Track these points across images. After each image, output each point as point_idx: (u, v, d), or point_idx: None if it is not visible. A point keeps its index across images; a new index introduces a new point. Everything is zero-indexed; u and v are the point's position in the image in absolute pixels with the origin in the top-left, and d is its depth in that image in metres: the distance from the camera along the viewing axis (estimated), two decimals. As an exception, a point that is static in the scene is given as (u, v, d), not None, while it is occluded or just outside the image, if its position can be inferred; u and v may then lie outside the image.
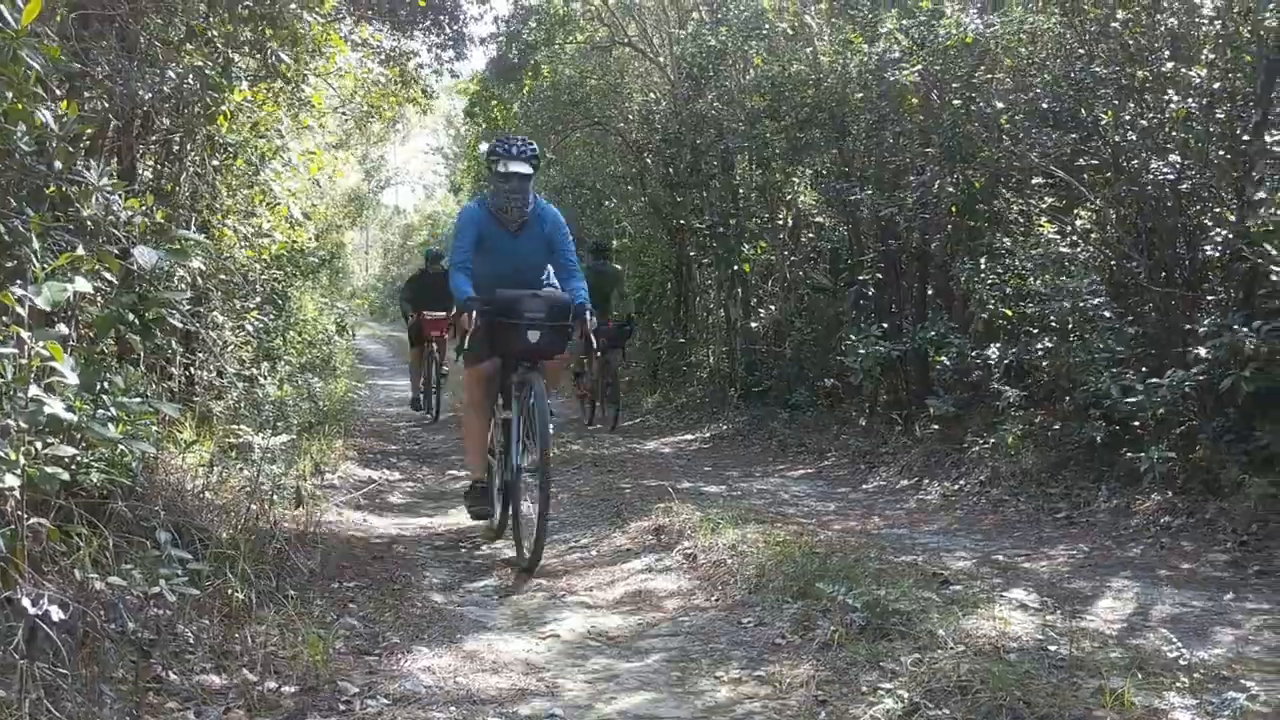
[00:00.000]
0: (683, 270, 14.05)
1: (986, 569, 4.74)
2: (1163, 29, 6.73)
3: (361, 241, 49.20)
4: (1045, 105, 7.24)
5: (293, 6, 5.89)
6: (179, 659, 3.15)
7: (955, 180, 7.98)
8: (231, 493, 4.89)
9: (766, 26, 10.55)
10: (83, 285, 2.92)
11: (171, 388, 5.95)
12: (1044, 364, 6.60)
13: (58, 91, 4.36)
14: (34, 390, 2.69)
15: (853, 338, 8.24)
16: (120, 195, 3.61)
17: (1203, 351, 5.54)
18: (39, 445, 2.79)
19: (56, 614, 2.59)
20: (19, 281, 2.91)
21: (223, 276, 6.70)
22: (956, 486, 6.83)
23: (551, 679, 3.45)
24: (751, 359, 11.57)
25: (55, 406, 2.72)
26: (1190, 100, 6.37)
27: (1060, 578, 4.57)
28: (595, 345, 5.83)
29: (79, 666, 2.70)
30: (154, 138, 6.11)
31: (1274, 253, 5.13)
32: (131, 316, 3.40)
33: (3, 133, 3.07)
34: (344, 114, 10.55)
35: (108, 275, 3.51)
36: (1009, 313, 7.23)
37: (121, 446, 3.25)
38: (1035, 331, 6.86)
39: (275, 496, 4.92)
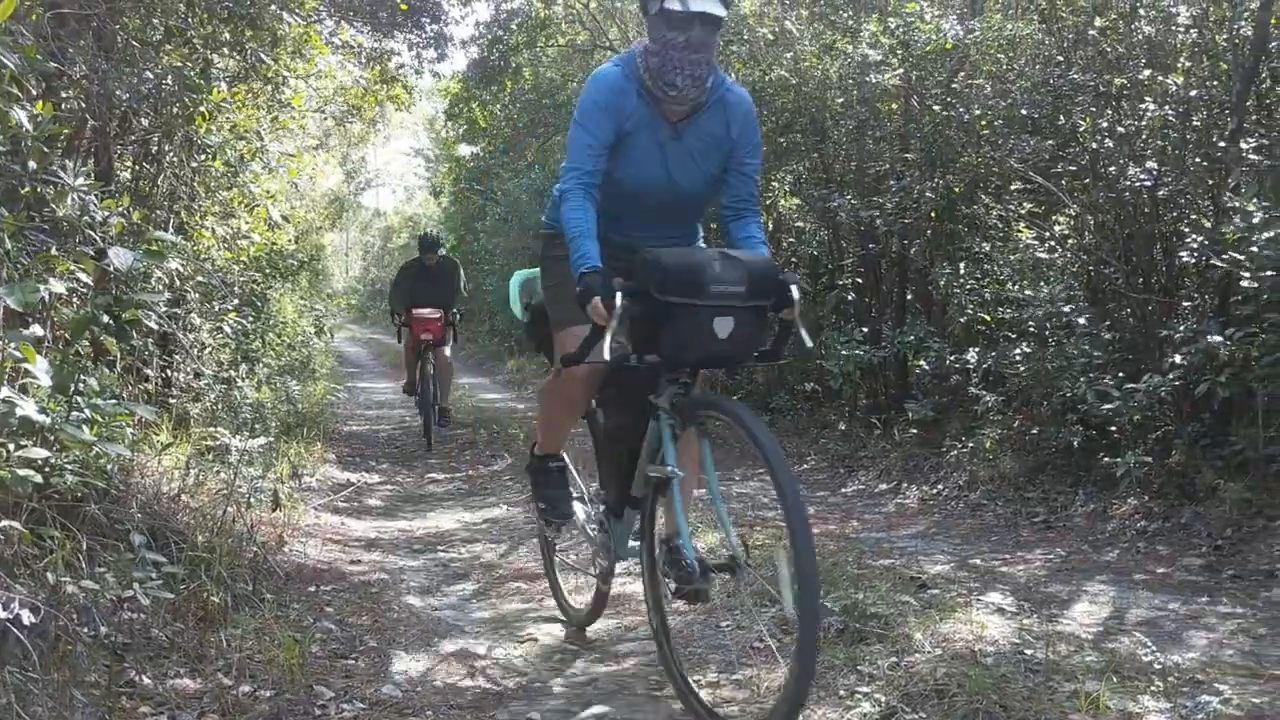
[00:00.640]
0: (663, 274, 14.04)
1: (964, 573, 4.75)
2: (1140, 37, 6.78)
3: (341, 244, 49.05)
4: (1024, 111, 7.28)
5: (272, 7, 5.88)
6: (153, 663, 3.13)
7: (934, 185, 8.01)
8: (208, 496, 4.85)
9: (747, 32, 10.56)
10: (56, 286, 2.91)
11: (148, 390, 5.91)
12: (1022, 369, 6.63)
13: (33, 91, 4.33)
14: (6, 391, 2.67)
15: (833, 343, 8.25)
16: (96, 196, 3.59)
17: (1178, 358, 5.57)
18: (11, 447, 2.77)
19: (28, 618, 2.56)
20: (-8, 282, 2.88)
21: (200, 278, 6.66)
22: (935, 490, 6.85)
23: (529, 683, 3.45)
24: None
25: (28, 408, 2.70)
26: (1167, 108, 6.42)
27: (1037, 582, 4.59)
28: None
29: (50, 671, 2.67)
30: (132, 138, 6.07)
31: (1245, 260, 5.17)
32: (106, 318, 3.38)
33: (-24, 132, 3.05)
34: (324, 115, 10.50)
35: (83, 276, 3.48)
36: (987, 318, 7.26)
37: (96, 449, 3.23)
38: (1013, 336, 6.89)
39: (252, 499, 4.89)
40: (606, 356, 2.93)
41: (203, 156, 6.39)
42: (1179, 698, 2.92)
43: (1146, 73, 6.56)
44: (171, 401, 6.30)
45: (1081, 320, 6.27)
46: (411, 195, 44.51)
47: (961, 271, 7.51)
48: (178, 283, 6.18)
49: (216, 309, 7.36)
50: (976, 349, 7.30)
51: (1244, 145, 5.86)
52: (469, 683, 3.43)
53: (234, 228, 7.09)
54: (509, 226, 20.57)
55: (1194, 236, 5.95)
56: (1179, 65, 6.66)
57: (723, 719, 2.98)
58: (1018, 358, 6.70)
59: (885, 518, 6.40)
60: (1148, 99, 6.50)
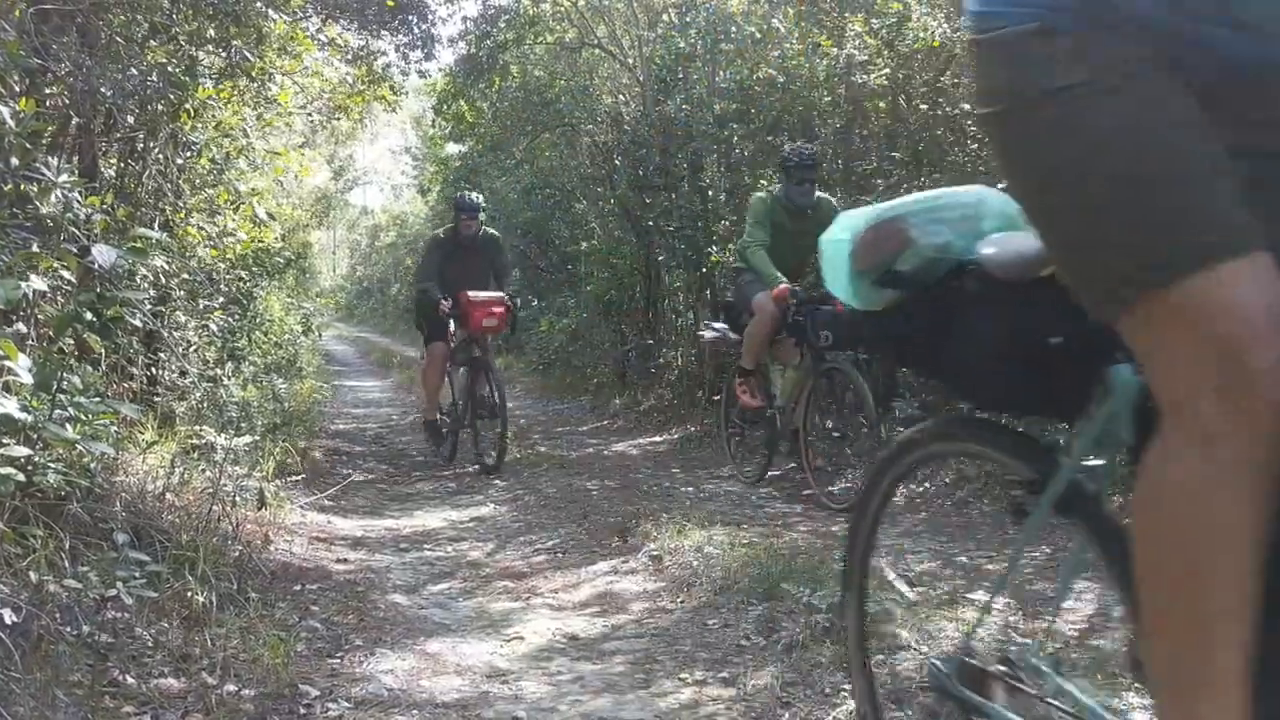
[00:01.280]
0: (651, 272, 14.05)
1: (950, 570, 4.76)
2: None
3: (329, 242, 48.94)
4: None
5: (258, 4, 5.85)
6: (136, 662, 3.11)
7: (922, 184, 8.02)
8: (193, 494, 4.83)
9: (735, 29, 10.57)
10: (39, 283, 2.89)
11: (133, 388, 5.88)
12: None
13: (16, 87, 4.31)
14: (-12, 389, 2.65)
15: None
16: (80, 193, 3.57)
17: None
18: (-8, 445, 2.75)
19: (9, 617, 2.55)
20: (-27, 279, 2.87)
21: (186, 276, 6.63)
22: (922, 489, 6.86)
23: (515, 681, 3.44)
24: (720, 361, 11.57)
25: (9, 406, 2.68)
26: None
27: (1023, 579, 4.60)
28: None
29: (32, 670, 2.65)
30: (117, 135, 6.04)
31: None
32: (90, 315, 3.36)
33: (-42, 128, 3.03)
34: (310, 113, 10.46)
35: (66, 274, 3.46)
36: (974, 316, 7.26)
37: (79, 447, 3.21)
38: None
39: (238, 498, 4.88)
40: None
41: (188, 154, 6.36)
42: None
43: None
44: (157, 400, 6.27)
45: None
46: (399, 194, 44.43)
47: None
48: (163, 280, 6.15)
49: (202, 307, 7.33)
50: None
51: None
52: (455, 681, 3.42)
53: (220, 225, 7.06)
54: (498, 225, 20.58)
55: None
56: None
57: None
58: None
59: (872, 516, 6.40)
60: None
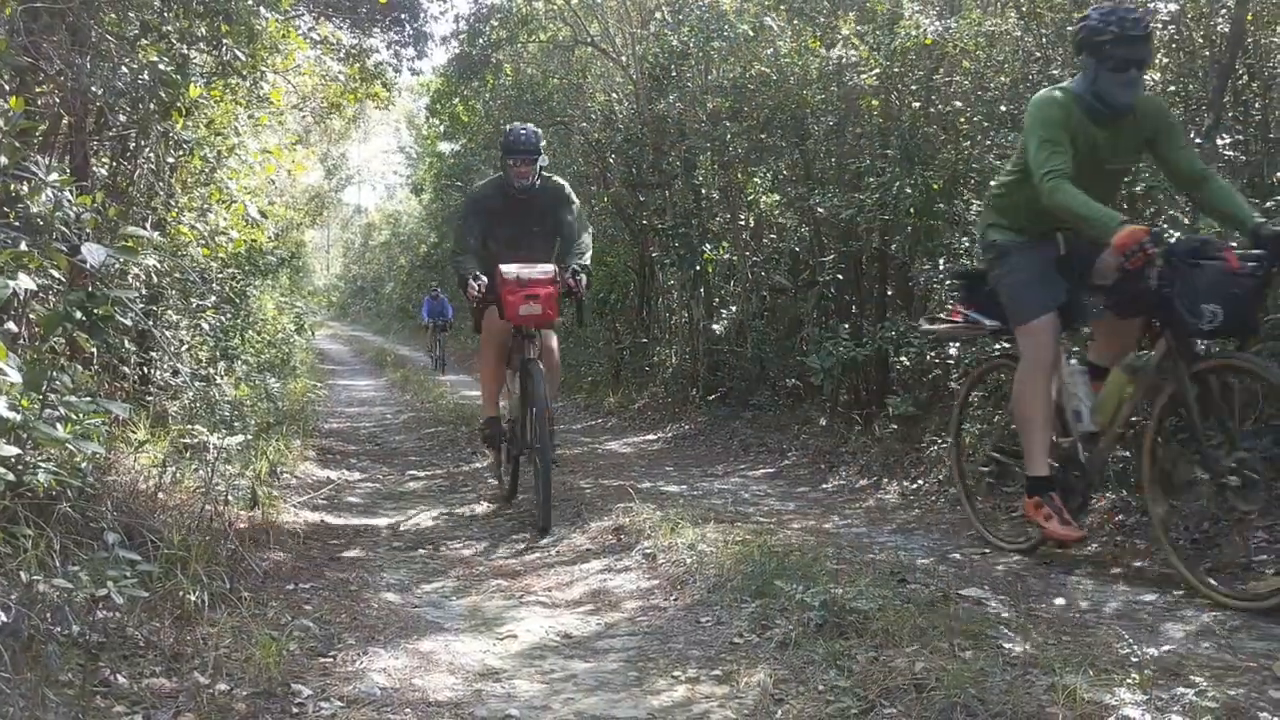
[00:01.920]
0: (645, 270, 14.06)
1: (943, 567, 4.77)
2: (1118, 33, 6.80)
3: (322, 240, 48.87)
4: (1003, 108, 7.31)
5: (249, 2, 5.84)
6: (128, 662, 3.11)
7: (914, 182, 8.03)
8: (185, 494, 4.83)
9: (727, 28, 10.56)
10: (26, 282, 2.88)
11: (125, 387, 5.88)
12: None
13: (6, 86, 4.30)
14: (-23, 389, 2.64)
15: (821, 340, 8.27)
16: (71, 192, 3.56)
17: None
18: (-18, 445, 2.74)
19: (0, 617, 2.54)
20: (-38, 278, 2.86)
21: (178, 275, 6.62)
22: (915, 486, 6.87)
23: (509, 680, 3.44)
24: (714, 359, 11.59)
25: (-1, 406, 2.67)
26: (1145, 103, 6.44)
27: (1016, 576, 4.61)
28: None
29: (23, 671, 2.65)
30: (109, 134, 6.03)
31: None
32: (80, 314, 3.35)
33: (-54, 127, 3.02)
34: (302, 112, 10.45)
35: (56, 273, 3.45)
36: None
37: (70, 447, 3.20)
38: (993, 331, 6.91)
39: (230, 497, 4.87)
40: None
41: (180, 153, 6.34)
42: (1155, 690, 2.93)
43: (1124, 69, 6.58)
44: (149, 399, 6.27)
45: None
46: (393, 192, 44.40)
47: (941, 267, 7.54)
48: (155, 279, 6.14)
49: (195, 306, 7.32)
50: (957, 344, 7.32)
51: (1220, 141, 5.90)
52: (448, 680, 3.42)
53: (212, 224, 7.05)
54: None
55: (1171, 232, 5.98)
56: (1156, 61, 6.69)
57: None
58: (996, 351, 6.72)
59: (865, 513, 6.41)
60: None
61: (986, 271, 4.91)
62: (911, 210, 8.13)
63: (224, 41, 5.91)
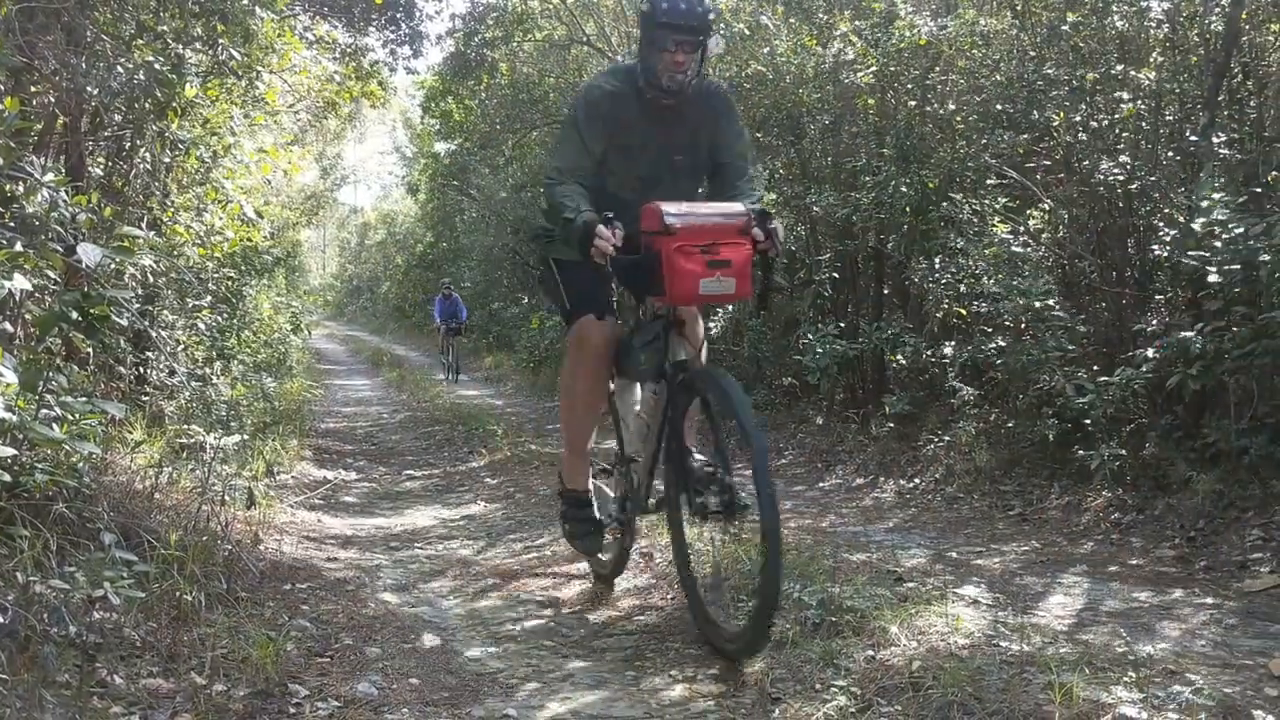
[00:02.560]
0: (641, 270, 14.05)
1: (940, 566, 4.77)
2: (1112, 31, 6.83)
3: (318, 240, 48.85)
4: (998, 106, 7.32)
5: (244, 2, 5.83)
6: (125, 663, 3.10)
7: (910, 181, 8.04)
8: (182, 494, 4.82)
9: (723, 26, 10.56)
10: (22, 282, 2.87)
11: (121, 387, 5.87)
12: (998, 362, 6.67)
13: (1, 86, 4.29)
14: (-27, 390, 2.64)
15: (810, 337, 8.28)
16: (66, 192, 3.55)
17: (1151, 351, 5.62)
18: (-22, 446, 2.74)
19: (-3, 618, 2.54)
20: (-42, 279, 2.85)
21: (174, 275, 6.61)
22: (912, 484, 6.88)
23: (506, 679, 3.44)
24: (710, 358, 11.56)
25: (-5, 406, 2.67)
26: (1140, 102, 6.47)
27: (1012, 574, 4.62)
28: None
29: (20, 671, 2.64)
30: (104, 134, 6.02)
31: (1209, 255, 5.22)
32: (76, 315, 3.35)
33: (-58, 127, 3.01)
34: (298, 111, 10.43)
35: (51, 273, 3.45)
36: (963, 312, 7.29)
37: (66, 447, 3.20)
38: (989, 330, 6.93)
39: (227, 497, 4.86)
40: None
41: (175, 152, 6.34)
42: (1151, 688, 2.93)
43: (1119, 67, 6.61)
44: (145, 399, 6.26)
45: (1057, 314, 6.31)
46: (388, 193, 44.38)
47: (937, 266, 7.55)
48: (151, 279, 6.13)
49: (191, 306, 7.31)
50: (953, 343, 7.34)
51: (1216, 139, 5.91)
52: (445, 679, 3.41)
53: (208, 224, 7.04)
54: (487, 224, 20.55)
55: (1166, 231, 6.00)
56: (1151, 60, 6.71)
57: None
58: (993, 352, 6.74)
59: (862, 512, 6.42)
60: (1121, 93, 6.54)
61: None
62: (907, 209, 8.15)
63: (220, 41, 5.91)
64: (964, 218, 7.65)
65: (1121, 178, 6.32)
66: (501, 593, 4.65)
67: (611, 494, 4.50)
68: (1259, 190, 5.51)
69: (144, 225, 5.98)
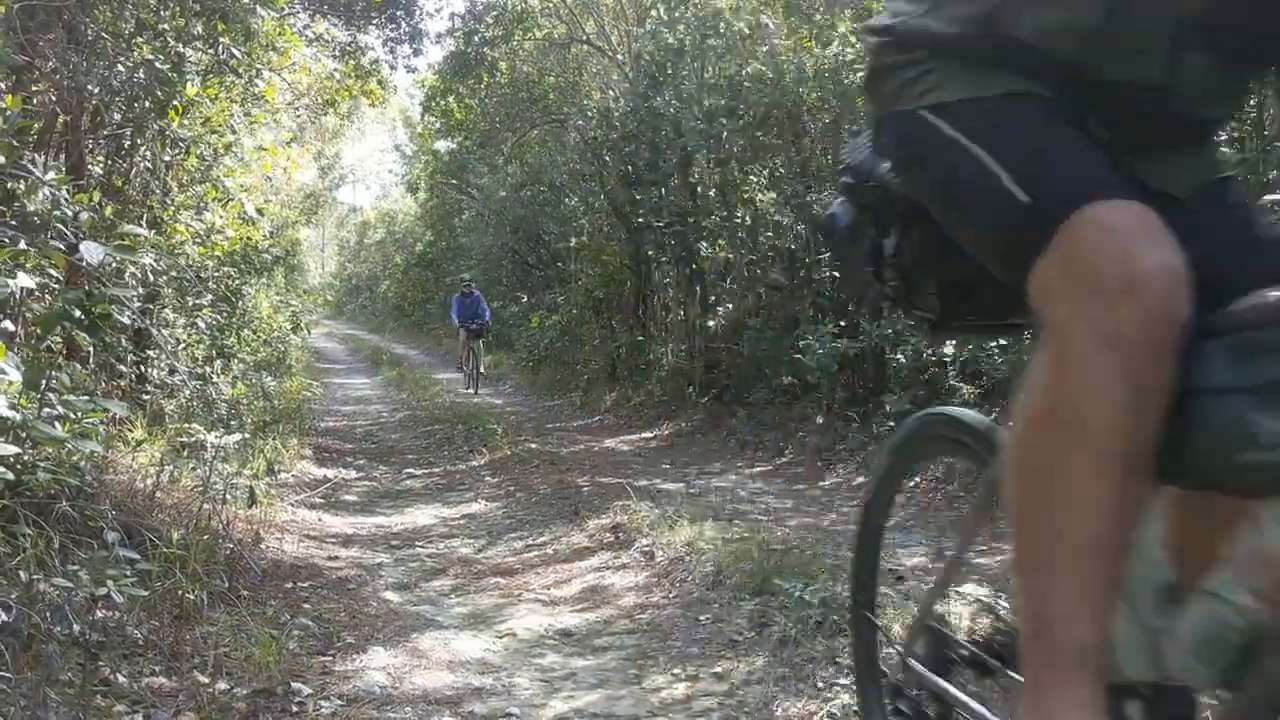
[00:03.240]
0: (641, 269, 14.06)
1: (940, 564, 4.77)
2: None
3: (317, 239, 48.84)
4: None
5: (245, 0, 5.83)
6: (128, 661, 3.10)
7: (911, 179, 8.03)
8: (183, 492, 4.82)
9: (723, 25, 10.57)
10: (25, 280, 2.87)
11: (122, 386, 5.87)
12: (999, 361, 6.67)
13: (2, 84, 4.29)
14: (-24, 388, 2.64)
15: (810, 336, 8.28)
16: (67, 190, 3.55)
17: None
18: (-19, 444, 2.73)
19: (0, 616, 2.54)
20: (-39, 277, 2.85)
21: (174, 273, 6.61)
22: (912, 483, 6.88)
23: (507, 678, 3.44)
24: (710, 357, 11.59)
25: (-2, 405, 2.67)
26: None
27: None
28: None
29: (23, 670, 2.64)
30: (104, 132, 6.02)
31: None
32: (78, 313, 3.34)
33: (-56, 125, 3.01)
34: (298, 110, 10.42)
35: (53, 272, 3.44)
36: (964, 310, 7.28)
37: (69, 446, 3.19)
38: (990, 329, 6.93)
39: (228, 496, 4.86)
40: None
41: (176, 151, 6.33)
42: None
43: (1120, 66, 6.60)
44: (146, 398, 6.25)
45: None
46: (388, 192, 44.38)
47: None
48: (151, 278, 6.12)
49: (191, 304, 7.31)
50: (953, 342, 7.33)
51: (1216, 138, 5.91)
52: (447, 678, 3.41)
53: (208, 222, 7.03)
54: (486, 223, 20.55)
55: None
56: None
57: None
58: (994, 350, 6.74)
59: (863, 510, 6.42)
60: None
61: None
62: (908, 208, 8.13)
63: (220, 39, 5.90)
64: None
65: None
66: (503, 591, 4.65)
67: None
68: (1258, 190, 5.50)
69: (144, 223, 5.97)
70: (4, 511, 3.01)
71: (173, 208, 6.61)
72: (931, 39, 1.42)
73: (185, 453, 5.46)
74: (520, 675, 3.46)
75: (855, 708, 2.92)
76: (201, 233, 6.91)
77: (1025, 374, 1.32)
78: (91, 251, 3.19)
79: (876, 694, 2.15)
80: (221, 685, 3.06)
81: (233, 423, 6.56)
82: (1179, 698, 1.32)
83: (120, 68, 5.12)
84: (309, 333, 16.91)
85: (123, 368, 5.89)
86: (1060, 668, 1.26)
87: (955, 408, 2.07)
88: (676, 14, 11.67)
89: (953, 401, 7.12)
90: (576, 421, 12.10)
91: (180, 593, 3.52)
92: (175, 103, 5.68)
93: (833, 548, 4.87)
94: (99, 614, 3.17)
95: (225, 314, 8.47)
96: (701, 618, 4.01)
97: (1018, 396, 1.33)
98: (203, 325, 7.46)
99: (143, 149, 6.18)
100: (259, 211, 7.63)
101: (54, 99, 5.22)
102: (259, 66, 6.90)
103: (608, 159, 14.20)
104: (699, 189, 12.27)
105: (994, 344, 6.76)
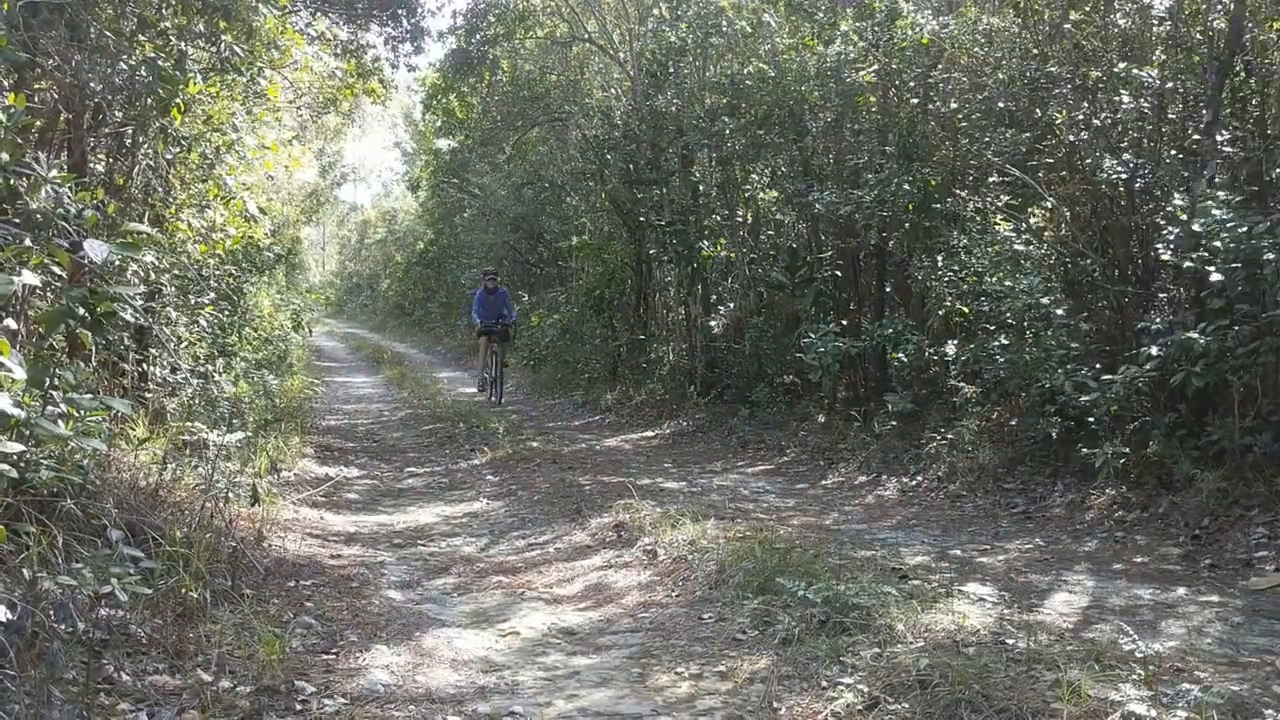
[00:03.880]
0: (643, 267, 14.04)
1: (944, 563, 4.77)
2: (1115, 30, 6.82)
3: (318, 238, 48.82)
4: (1000, 105, 7.31)
5: (248, -2, 5.82)
6: (131, 659, 3.10)
7: (912, 179, 8.03)
8: (186, 490, 4.81)
9: (725, 24, 10.56)
10: (30, 278, 2.86)
11: (124, 384, 5.86)
12: (1000, 361, 6.66)
13: (4, 82, 4.28)
14: (-19, 386, 2.63)
15: (811, 335, 8.27)
16: (70, 188, 3.54)
17: (1155, 349, 5.61)
18: (-15, 442, 2.73)
19: (4, 615, 2.54)
20: (-35, 275, 2.84)
21: (176, 272, 6.60)
22: (914, 482, 6.88)
23: (511, 676, 3.43)
24: (711, 356, 11.58)
25: (2, 402, 2.66)
26: (1142, 100, 6.46)
27: (1016, 572, 4.61)
28: None
29: (27, 668, 2.64)
30: (106, 130, 6.01)
31: (1208, 254, 5.22)
32: (81, 311, 3.34)
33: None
34: (299, 108, 10.40)
35: (57, 269, 3.44)
36: (965, 310, 7.29)
37: (72, 444, 3.19)
38: (991, 328, 6.93)
39: (231, 494, 4.85)
40: None
41: (178, 149, 6.32)
42: (1160, 686, 2.93)
43: (1122, 65, 6.60)
44: (148, 396, 6.24)
45: (1059, 312, 6.30)
46: (389, 190, 44.36)
47: (939, 264, 7.54)
48: (154, 276, 6.12)
49: (193, 302, 7.30)
50: (955, 341, 7.33)
51: (1219, 138, 5.90)
52: (451, 676, 3.41)
53: (209, 221, 7.03)
54: (487, 221, 20.54)
55: (1169, 229, 6.00)
56: (1154, 58, 6.70)
57: None
58: (996, 350, 6.73)
59: (865, 509, 6.42)
60: (1123, 92, 6.54)
61: None
62: (909, 207, 8.14)
63: (222, 37, 5.89)
64: (966, 215, 7.65)
65: (1124, 176, 6.31)
66: (506, 589, 4.64)
67: None
68: (1259, 189, 5.50)
69: (146, 221, 5.97)
70: (8, 509, 3.00)
71: (175, 206, 6.61)
72: None
73: (187, 451, 5.45)
74: (524, 674, 3.46)
75: (859, 706, 2.92)
76: (203, 231, 6.90)
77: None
78: (95, 249, 3.19)
79: None
80: (225, 683, 3.06)
81: (235, 421, 6.55)
82: None
83: (122, 65, 5.11)
84: (310, 331, 16.89)
85: (125, 366, 5.89)
86: None
87: None
88: (678, 13, 11.66)
89: (954, 400, 7.11)
90: (578, 420, 12.09)
91: (183, 591, 3.51)
92: (177, 101, 5.67)
93: (836, 547, 4.87)
94: (102, 612, 3.17)
95: (227, 312, 8.47)
96: (705, 616, 4.00)
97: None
98: (205, 323, 7.45)
99: (145, 147, 6.18)
100: (261, 210, 7.62)
101: (56, 96, 5.22)
102: (260, 64, 6.88)
103: (609, 157, 14.18)
104: (700, 187, 12.26)
105: (994, 343, 6.75)
